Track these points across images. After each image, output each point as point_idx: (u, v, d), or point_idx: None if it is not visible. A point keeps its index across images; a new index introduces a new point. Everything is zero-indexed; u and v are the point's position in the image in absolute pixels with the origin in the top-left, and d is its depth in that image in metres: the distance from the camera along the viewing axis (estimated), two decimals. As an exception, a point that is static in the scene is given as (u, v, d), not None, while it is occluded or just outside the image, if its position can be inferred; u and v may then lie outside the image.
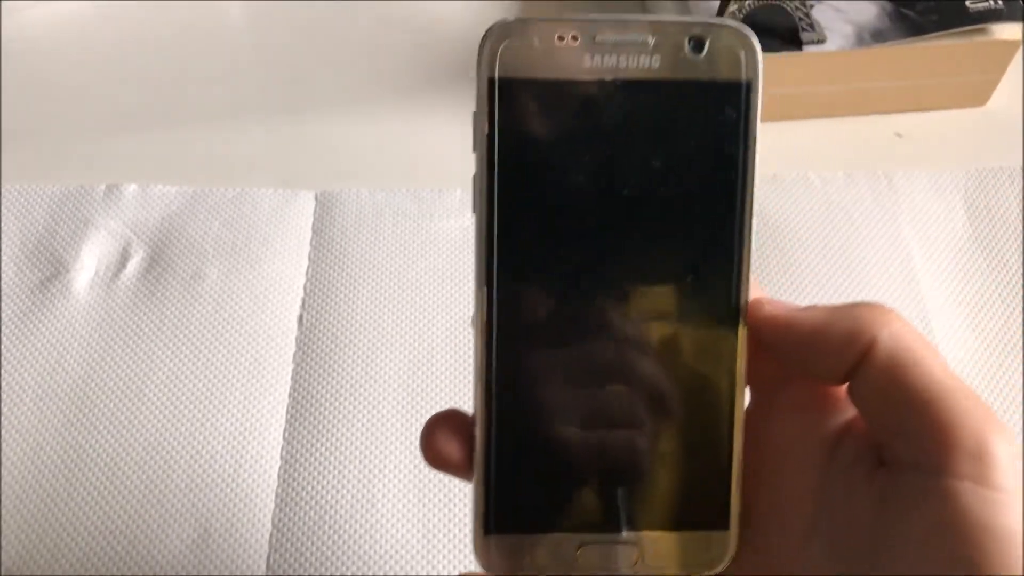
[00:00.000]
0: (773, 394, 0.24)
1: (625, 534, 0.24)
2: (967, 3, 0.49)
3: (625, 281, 0.23)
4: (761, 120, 0.23)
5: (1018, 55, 0.51)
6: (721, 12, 0.48)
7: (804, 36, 0.48)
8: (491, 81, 0.22)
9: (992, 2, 0.49)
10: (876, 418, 0.22)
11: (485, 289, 0.23)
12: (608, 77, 0.22)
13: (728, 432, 0.23)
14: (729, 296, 0.23)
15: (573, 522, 0.24)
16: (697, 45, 0.22)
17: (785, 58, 0.49)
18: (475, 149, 0.23)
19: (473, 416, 0.24)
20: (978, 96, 0.53)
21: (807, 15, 0.48)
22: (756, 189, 0.23)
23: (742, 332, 0.23)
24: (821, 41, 0.49)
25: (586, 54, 0.22)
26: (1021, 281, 0.45)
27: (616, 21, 0.22)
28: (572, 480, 0.24)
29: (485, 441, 0.23)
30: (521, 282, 0.23)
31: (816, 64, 0.49)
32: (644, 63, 0.22)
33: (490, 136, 0.22)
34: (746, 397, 0.24)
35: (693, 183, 0.23)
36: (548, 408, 0.23)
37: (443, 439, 0.23)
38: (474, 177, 0.23)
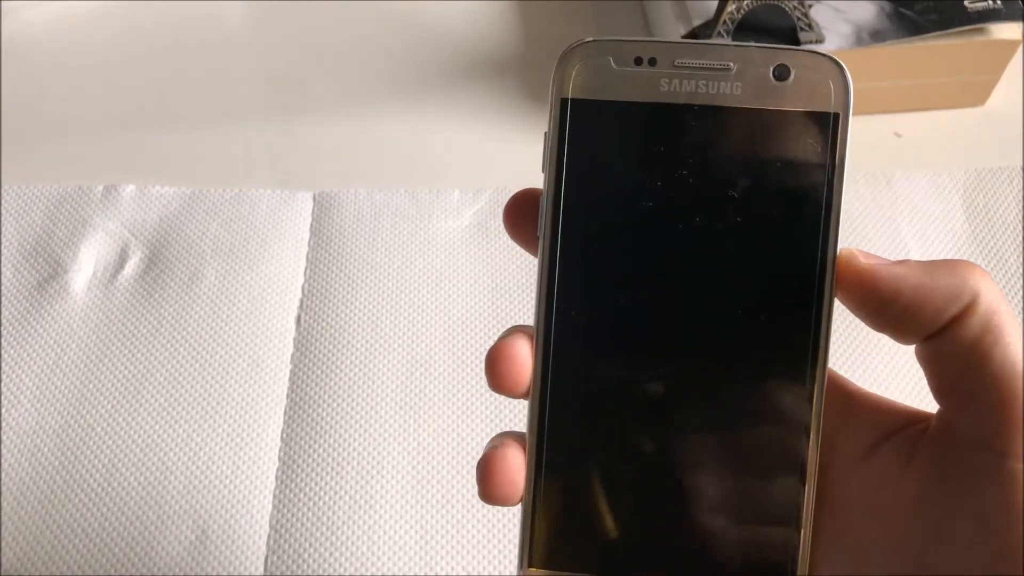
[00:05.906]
0: None
1: None
2: (966, 3, 0.49)
3: (693, 318, 0.22)
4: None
5: (1017, 55, 0.50)
6: (719, 12, 0.48)
7: (802, 36, 0.48)
8: (564, 101, 0.22)
9: (991, 2, 0.49)
10: (947, 381, 0.21)
11: (544, 310, 0.22)
12: (686, 102, 0.21)
13: (799, 487, 0.22)
14: (808, 338, 0.22)
15: (615, 568, 0.23)
16: (782, 73, 0.21)
17: (783, 58, 0.48)
18: (544, 169, 0.22)
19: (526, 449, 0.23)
20: (977, 96, 0.53)
21: (805, 15, 0.48)
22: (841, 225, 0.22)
23: (820, 376, 0.22)
24: (820, 41, 0.48)
25: (664, 77, 0.21)
26: (1020, 281, 0.45)
27: (697, 45, 0.21)
28: (620, 526, 0.23)
29: (535, 476, 0.23)
30: (581, 306, 0.22)
31: (815, 64, 0.49)
32: (725, 89, 0.21)
33: (559, 157, 0.22)
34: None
35: (773, 217, 0.22)
36: (601, 452, 0.23)
37: (503, 476, 0.23)
38: (541, 198, 0.22)
